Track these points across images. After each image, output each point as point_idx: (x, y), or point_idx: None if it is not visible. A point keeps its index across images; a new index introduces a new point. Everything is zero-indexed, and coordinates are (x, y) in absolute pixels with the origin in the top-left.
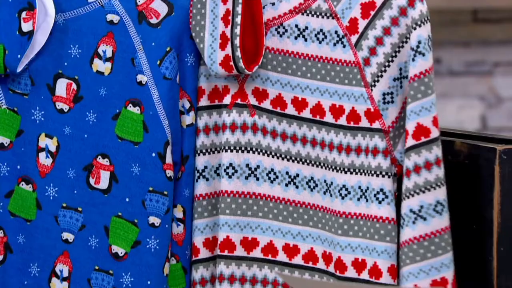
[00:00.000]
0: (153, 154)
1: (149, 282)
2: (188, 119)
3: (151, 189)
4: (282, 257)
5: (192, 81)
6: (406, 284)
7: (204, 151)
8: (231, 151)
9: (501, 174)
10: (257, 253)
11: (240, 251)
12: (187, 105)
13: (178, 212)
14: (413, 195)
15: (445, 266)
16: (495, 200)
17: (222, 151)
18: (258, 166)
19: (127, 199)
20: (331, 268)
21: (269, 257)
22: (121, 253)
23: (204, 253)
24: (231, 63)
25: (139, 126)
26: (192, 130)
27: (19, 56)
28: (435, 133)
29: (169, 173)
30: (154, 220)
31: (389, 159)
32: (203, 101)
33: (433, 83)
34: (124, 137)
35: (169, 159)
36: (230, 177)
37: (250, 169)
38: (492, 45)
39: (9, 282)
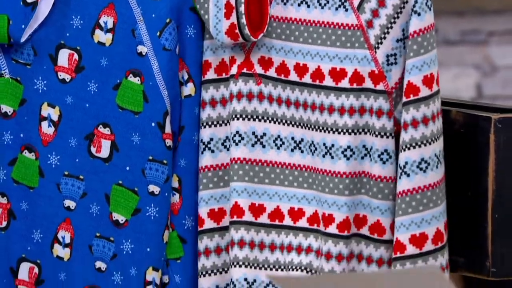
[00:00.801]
0: (153, 124)
1: (148, 249)
2: (186, 90)
3: (151, 158)
4: (287, 221)
5: (192, 52)
6: (397, 234)
7: (210, 123)
8: (238, 119)
9: (496, 142)
10: (264, 218)
11: (248, 217)
12: (186, 76)
13: (174, 182)
14: (409, 148)
15: (425, 222)
16: (490, 168)
17: (230, 120)
18: (264, 134)
19: (127, 168)
20: (332, 229)
21: (276, 222)
22: (122, 220)
23: (208, 224)
24: (237, 31)
25: (139, 96)
26: (190, 101)
27: (23, 26)
28: (424, 92)
29: (168, 142)
30: (154, 188)
31: (392, 120)
32: (210, 75)
33: (429, 42)
34: (125, 106)
35: (168, 129)
36: (237, 144)
37: (256, 136)
38: (487, 15)
39: (13, 248)
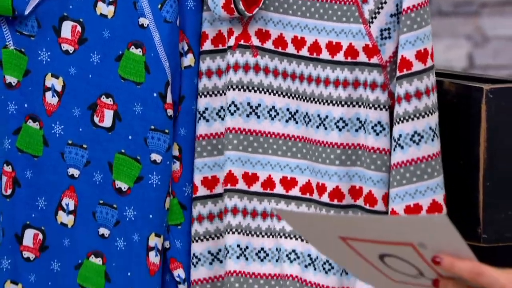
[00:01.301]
0: (155, 94)
1: (151, 216)
2: (186, 61)
3: (152, 127)
4: (279, 189)
5: (192, 24)
6: (392, 205)
7: (205, 93)
8: (234, 90)
9: (488, 112)
10: (257, 187)
11: (241, 185)
12: (186, 47)
13: (175, 150)
14: (402, 121)
15: (419, 194)
16: (482, 137)
17: (227, 90)
18: (259, 105)
19: (130, 137)
20: (324, 198)
21: (268, 190)
22: (125, 188)
23: (202, 191)
24: (232, 5)
25: (141, 67)
26: (189, 72)
27: None
28: (417, 66)
29: (170, 112)
30: (156, 157)
31: (386, 93)
32: (207, 46)
33: (422, 18)
34: (127, 77)
35: (169, 99)
36: (232, 114)
37: (251, 107)
38: None
39: (18, 215)
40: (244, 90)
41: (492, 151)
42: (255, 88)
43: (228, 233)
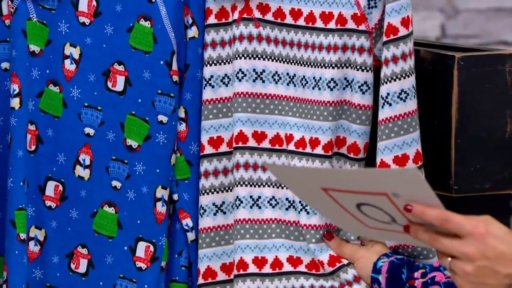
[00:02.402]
0: (161, 62)
1: (158, 170)
2: (190, 33)
3: (159, 91)
4: (285, 145)
5: (195, 0)
6: (381, 156)
7: (211, 62)
8: (240, 58)
9: (459, 77)
10: (265, 144)
11: (252, 143)
12: (190, 20)
13: (181, 112)
14: (390, 81)
15: (406, 145)
16: (454, 100)
17: (234, 59)
18: (263, 70)
19: (139, 100)
20: (318, 151)
21: (276, 146)
22: (135, 145)
23: (208, 150)
24: None
25: (149, 37)
26: (194, 42)
27: None
28: (402, 31)
29: (175, 78)
30: (162, 118)
31: (372, 56)
32: (211, 20)
33: None
34: (137, 47)
35: (175, 66)
36: (240, 80)
37: (256, 73)
38: None
39: (40, 168)
40: (250, 58)
41: (463, 112)
42: (259, 56)
43: (241, 185)
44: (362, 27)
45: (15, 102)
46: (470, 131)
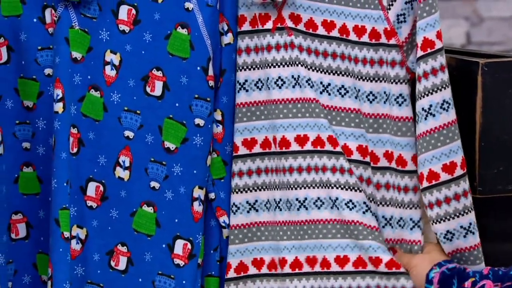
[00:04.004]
0: (198, 68)
1: (195, 171)
2: (226, 39)
3: (196, 96)
4: (328, 147)
5: (230, 8)
6: (429, 166)
7: (245, 67)
8: (278, 66)
9: (483, 83)
10: (308, 146)
11: (294, 147)
12: (225, 27)
13: (218, 115)
14: (431, 93)
15: (453, 153)
16: (478, 104)
17: (271, 67)
18: (298, 76)
19: (177, 104)
20: (356, 156)
21: (318, 148)
22: (172, 147)
23: (242, 150)
24: None
25: (186, 44)
26: (229, 48)
27: None
28: (438, 44)
29: (211, 83)
30: (199, 121)
31: (404, 69)
32: (245, 27)
33: (435, 4)
34: (175, 53)
35: (211, 72)
36: (280, 87)
37: (295, 79)
38: None
39: (82, 170)
40: (288, 66)
41: (487, 116)
42: (295, 63)
43: (302, 188)
44: (392, 41)
45: (58, 107)
46: (494, 134)
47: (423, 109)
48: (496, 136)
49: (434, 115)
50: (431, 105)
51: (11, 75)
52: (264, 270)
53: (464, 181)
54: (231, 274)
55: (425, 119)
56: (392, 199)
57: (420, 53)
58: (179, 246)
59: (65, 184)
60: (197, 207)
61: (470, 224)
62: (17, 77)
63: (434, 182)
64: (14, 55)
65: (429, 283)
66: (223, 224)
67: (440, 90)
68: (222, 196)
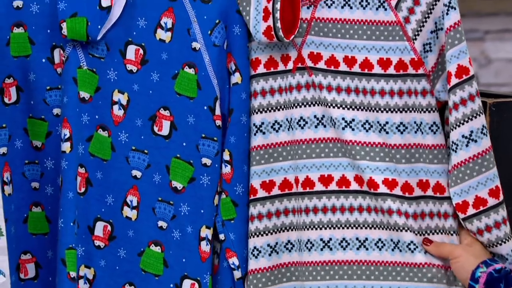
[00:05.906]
0: (205, 107)
1: (202, 211)
2: (233, 79)
3: (203, 135)
4: (355, 186)
5: (238, 47)
6: (476, 192)
7: (261, 110)
8: (300, 107)
9: (491, 122)
10: (332, 186)
11: (319, 187)
12: (233, 67)
13: (226, 155)
14: (471, 119)
15: (490, 181)
16: None
17: (292, 108)
18: (323, 116)
19: (184, 144)
20: (396, 191)
21: (343, 188)
22: (180, 187)
23: (261, 193)
24: (272, 32)
25: (193, 84)
26: (237, 88)
27: (99, 27)
28: (472, 71)
29: (218, 122)
30: (206, 161)
31: (434, 97)
32: (260, 69)
33: (463, 32)
34: (182, 93)
35: (218, 111)
36: (302, 128)
37: (317, 119)
38: (483, 17)
39: (90, 209)
40: (309, 106)
41: (495, 156)
42: (318, 103)
43: (316, 229)
44: (420, 70)
45: (65, 146)
46: (502, 174)
47: (463, 136)
48: (505, 176)
49: (476, 141)
50: (472, 131)
51: (20, 115)
52: None
53: (503, 208)
54: None
55: (467, 146)
56: (438, 227)
57: (455, 80)
58: (187, 286)
59: (71, 224)
60: (205, 246)
61: None
62: (26, 117)
63: (481, 209)
64: (23, 95)
65: (474, 281)
66: (233, 266)
67: (479, 115)
68: (232, 237)
